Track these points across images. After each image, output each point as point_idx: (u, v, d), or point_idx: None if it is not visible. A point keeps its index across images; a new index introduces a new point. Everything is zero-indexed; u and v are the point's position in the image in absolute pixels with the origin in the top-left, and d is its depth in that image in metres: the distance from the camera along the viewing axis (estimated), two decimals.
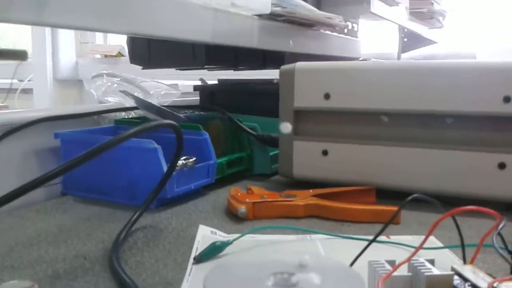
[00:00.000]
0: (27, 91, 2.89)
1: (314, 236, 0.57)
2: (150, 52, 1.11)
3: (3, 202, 0.42)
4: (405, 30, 1.77)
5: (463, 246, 0.47)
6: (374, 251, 0.46)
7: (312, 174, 0.79)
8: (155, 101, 0.97)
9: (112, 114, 0.93)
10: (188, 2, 0.75)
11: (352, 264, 0.45)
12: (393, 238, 0.56)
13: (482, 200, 0.67)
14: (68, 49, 2.93)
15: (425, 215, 0.66)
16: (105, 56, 2.93)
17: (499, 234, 0.44)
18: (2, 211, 0.60)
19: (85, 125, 0.84)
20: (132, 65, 1.15)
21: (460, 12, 2.14)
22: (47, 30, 2.73)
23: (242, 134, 0.90)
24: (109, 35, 3.09)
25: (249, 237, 0.54)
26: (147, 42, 1.10)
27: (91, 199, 0.73)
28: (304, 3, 1.03)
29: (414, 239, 0.55)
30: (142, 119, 0.89)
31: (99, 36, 3.11)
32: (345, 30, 1.39)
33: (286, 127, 0.80)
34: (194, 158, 0.72)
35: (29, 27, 2.65)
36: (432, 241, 0.55)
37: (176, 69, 1.25)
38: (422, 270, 0.36)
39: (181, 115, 0.87)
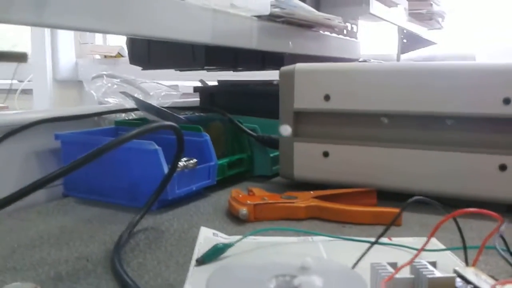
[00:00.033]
0: (27, 92, 2.89)
1: (315, 238, 0.57)
2: (149, 53, 1.11)
3: (4, 204, 0.42)
4: (405, 31, 1.77)
5: (465, 248, 0.47)
6: (376, 253, 0.47)
7: (313, 176, 0.79)
8: (155, 102, 0.97)
9: (112, 115, 0.93)
10: (187, 3, 0.75)
11: (354, 266, 0.45)
12: (395, 240, 0.56)
13: (483, 202, 0.67)
14: (67, 49, 2.93)
15: (426, 217, 0.66)
16: (105, 56, 2.93)
17: (501, 236, 0.44)
18: (3, 213, 0.60)
19: (85, 126, 0.84)
20: (132, 65, 1.15)
21: (460, 13, 2.14)
22: (47, 30, 2.73)
23: (242, 136, 0.90)
24: (109, 36, 3.09)
25: (250, 239, 0.54)
26: (146, 43, 1.10)
27: (92, 200, 0.73)
28: (303, 4, 1.03)
29: (416, 241, 0.55)
30: (142, 121, 0.89)
31: (98, 37, 3.11)
32: (345, 31, 1.39)
33: (285, 130, 0.80)
34: (195, 160, 0.72)
35: (28, 27, 2.65)
36: (434, 243, 0.55)
37: (176, 70, 1.25)
38: (424, 272, 0.36)
39: (181, 117, 0.88)
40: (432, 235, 0.40)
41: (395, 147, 0.73)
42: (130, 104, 0.95)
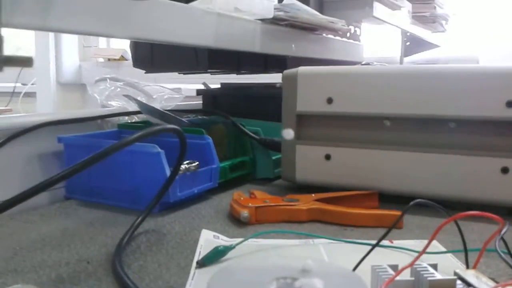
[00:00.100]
0: (30, 95, 2.90)
1: (316, 240, 0.57)
2: (153, 56, 1.12)
3: (7, 207, 0.42)
4: (408, 34, 1.77)
5: (466, 250, 0.47)
6: (377, 255, 0.47)
7: (314, 179, 0.79)
8: (158, 105, 0.97)
9: (115, 119, 0.93)
10: (191, 6, 0.76)
11: (355, 268, 0.45)
12: (396, 242, 0.56)
13: (484, 204, 0.67)
14: (71, 53, 2.94)
15: (427, 219, 0.66)
16: (108, 60, 2.94)
17: (502, 238, 0.44)
18: (6, 215, 0.60)
19: (88, 129, 0.84)
20: (135, 69, 1.15)
21: (463, 16, 2.14)
22: (51, 34, 2.74)
23: (244, 138, 0.90)
24: (112, 39, 3.10)
25: (252, 242, 0.55)
26: (150, 46, 1.11)
27: (94, 203, 0.73)
28: (306, 7, 1.04)
29: (417, 244, 0.55)
30: (145, 124, 0.90)
31: (102, 40, 3.12)
32: (348, 34, 1.39)
33: (288, 134, 0.80)
34: (197, 162, 0.72)
35: (32, 31, 2.66)
36: (435, 245, 0.55)
37: (179, 73, 1.25)
38: (425, 275, 0.36)
39: (184, 119, 0.88)
40: (433, 237, 0.40)
41: (397, 150, 0.73)
42: (133, 107, 0.95)
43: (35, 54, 2.81)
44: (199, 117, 0.99)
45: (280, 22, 0.97)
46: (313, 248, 0.55)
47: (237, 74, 1.28)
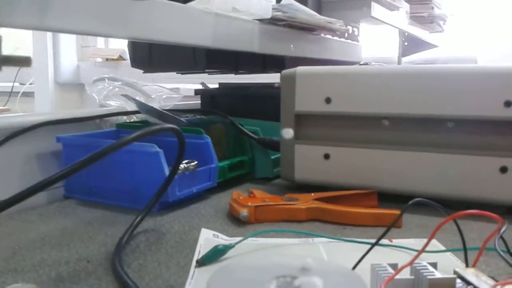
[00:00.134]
0: (28, 95, 2.90)
1: (316, 239, 0.57)
2: (151, 56, 1.12)
3: (6, 206, 0.42)
4: (406, 34, 1.77)
5: (465, 249, 0.47)
6: (376, 254, 0.47)
7: (313, 178, 0.79)
8: (156, 105, 0.97)
9: (114, 118, 0.93)
10: (189, 7, 0.75)
11: (354, 267, 0.45)
12: (395, 241, 0.56)
13: (484, 203, 0.67)
14: (69, 52, 2.94)
15: (426, 218, 0.66)
16: (106, 59, 2.94)
17: (501, 237, 0.44)
18: (5, 215, 0.60)
19: (86, 129, 0.84)
20: (133, 68, 1.15)
21: (461, 16, 2.14)
22: (49, 34, 2.74)
23: (243, 138, 0.90)
24: (110, 39, 3.09)
25: (251, 241, 0.55)
26: (148, 46, 1.11)
27: (93, 202, 0.73)
28: (304, 7, 1.04)
29: (416, 243, 0.55)
30: (144, 123, 0.90)
31: (100, 40, 3.12)
32: (346, 34, 1.39)
33: (287, 133, 0.80)
34: (196, 162, 0.72)
35: (30, 31, 2.66)
36: (435, 244, 0.55)
37: (177, 73, 1.25)
38: (425, 274, 0.36)
39: (182, 119, 0.88)
40: (432, 236, 0.40)
41: (395, 149, 0.74)
42: (132, 106, 0.95)
43: (33, 54, 2.81)
44: (198, 116, 0.99)
45: (278, 22, 0.97)
46: (312, 247, 0.55)
47: (235, 74, 1.28)
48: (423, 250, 0.40)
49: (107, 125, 0.92)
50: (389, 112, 0.74)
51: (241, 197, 0.68)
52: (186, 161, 0.70)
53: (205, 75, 1.29)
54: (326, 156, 0.78)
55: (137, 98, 0.97)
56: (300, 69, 0.80)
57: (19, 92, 2.94)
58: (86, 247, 0.55)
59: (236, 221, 0.65)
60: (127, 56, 2.18)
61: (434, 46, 1.98)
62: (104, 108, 1.00)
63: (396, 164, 0.73)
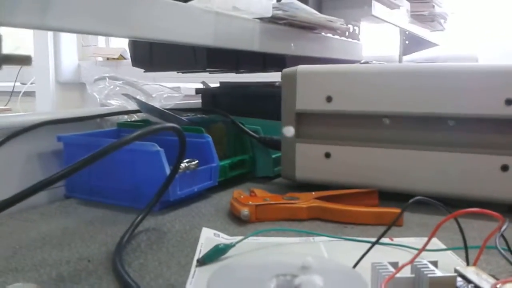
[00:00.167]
0: (29, 94, 2.90)
1: (317, 238, 0.57)
2: (152, 55, 1.12)
3: (7, 206, 0.42)
4: (407, 32, 1.77)
5: (466, 248, 0.47)
6: (377, 253, 0.47)
7: (314, 177, 0.79)
8: (157, 104, 0.97)
9: (115, 117, 0.93)
10: (190, 5, 0.75)
11: (355, 266, 0.45)
12: (396, 240, 0.56)
13: (485, 202, 0.67)
14: (70, 52, 2.94)
15: (427, 217, 0.66)
16: (107, 59, 2.94)
17: (502, 235, 0.44)
18: (5, 214, 0.60)
19: (87, 128, 0.84)
20: (134, 68, 1.15)
21: (462, 14, 2.14)
22: (49, 33, 2.74)
23: (244, 137, 0.90)
24: (111, 38, 3.09)
25: (252, 240, 0.55)
26: (149, 45, 1.11)
27: (94, 202, 0.73)
28: (305, 6, 1.03)
29: (417, 241, 0.55)
30: (145, 122, 0.90)
31: (101, 39, 3.12)
32: (347, 33, 1.39)
33: (289, 131, 0.80)
34: (196, 161, 0.72)
35: (30, 30, 2.66)
36: (435, 243, 0.55)
37: (178, 72, 1.25)
38: (425, 272, 0.36)
39: (183, 118, 0.88)
40: (433, 235, 0.40)
41: (396, 148, 0.74)
42: (133, 106, 0.95)
43: (34, 54, 2.81)
44: (199, 116, 0.99)
45: (279, 21, 0.97)
46: (313, 245, 0.55)
47: (236, 73, 1.28)
48: (423, 249, 0.40)
49: (108, 124, 0.92)
50: (390, 111, 0.74)
51: (242, 196, 0.68)
52: (187, 160, 0.70)
53: (206, 74, 1.29)
54: (327, 155, 0.78)
55: (138, 97, 0.97)
56: (301, 67, 0.80)
57: (20, 92, 2.94)
58: (87, 247, 0.55)
59: (237, 220, 0.65)
60: (128, 55, 2.18)
61: (435, 44, 1.97)
62: (105, 107, 1.00)
63: (397, 163, 0.73)
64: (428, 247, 0.41)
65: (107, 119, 0.92)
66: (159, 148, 0.68)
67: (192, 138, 0.75)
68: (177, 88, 1.12)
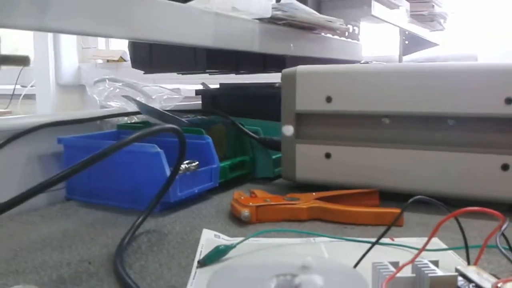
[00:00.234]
0: (30, 97, 2.90)
1: (317, 239, 0.57)
2: (151, 56, 1.12)
3: (7, 208, 0.42)
4: (406, 32, 1.77)
5: (466, 247, 0.47)
6: (378, 253, 0.47)
7: (315, 177, 0.79)
8: (157, 106, 0.97)
9: (115, 119, 0.93)
10: (189, 6, 0.75)
11: (355, 266, 0.45)
12: (397, 240, 0.56)
13: (485, 201, 0.67)
14: (70, 54, 2.94)
15: (428, 217, 0.66)
16: (107, 61, 2.94)
17: (503, 234, 0.44)
18: (5, 217, 0.60)
19: (87, 130, 0.84)
20: (134, 69, 1.15)
21: (461, 14, 2.14)
22: (49, 35, 2.74)
23: (244, 138, 0.90)
24: (111, 40, 3.10)
25: (252, 241, 0.55)
26: (148, 46, 1.11)
27: (95, 204, 0.73)
28: (304, 6, 1.03)
29: (418, 241, 0.55)
30: (145, 124, 0.90)
31: (101, 41, 3.12)
32: (346, 33, 1.39)
33: (288, 130, 0.80)
34: (197, 162, 0.72)
35: (30, 32, 2.66)
36: (436, 242, 0.55)
37: (178, 74, 1.25)
38: (426, 271, 0.36)
39: (183, 119, 0.88)
40: (433, 234, 0.40)
41: (397, 147, 0.73)
42: (133, 107, 0.95)
43: (34, 56, 2.82)
44: (199, 117, 0.99)
45: (278, 22, 0.97)
46: (314, 246, 0.55)
47: (236, 74, 1.28)
48: (424, 248, 0.40)
49: (108, 126, 0.92)
50: (390, 110, 0.74)
51: (242, 197, 0.68)
52: (187, 161, 0.70)
53: (206, 75, 1.29)
54: (327, 155, 0.78)
55: (138, 99, 0.97)
56: (301, 68, 0.80)
57: (20, 95, 2.94)
58: (88, 249, 0.55)
59: (237, 221, 0.65)
60: (128, 57, 2.18)
61: (435, 44, 1.97)
62: (105, 109, 1.00)
63: (397, 163, 0.73)
64: (428, 247, 0.41)
65: (107, 121, 0.92)
66: (159, 150, 0.68)
67: (192, 140, 0.75)
68: (177, 90, 1.12)
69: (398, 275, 0.36)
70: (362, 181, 0.75)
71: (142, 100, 1.00)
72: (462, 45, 2.22)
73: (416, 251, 0.40)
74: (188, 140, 0.58)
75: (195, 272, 0.48)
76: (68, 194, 0.76)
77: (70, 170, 0.44)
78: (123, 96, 0.98)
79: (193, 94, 1.23)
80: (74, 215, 0.69)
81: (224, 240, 0.57)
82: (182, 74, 1.26)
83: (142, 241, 0.57)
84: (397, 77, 0.73)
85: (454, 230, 0.49)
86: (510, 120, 0.67)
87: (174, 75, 1.24)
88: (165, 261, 0.51)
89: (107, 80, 1.05)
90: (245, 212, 0.63)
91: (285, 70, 0.82)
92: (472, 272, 0.37)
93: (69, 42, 2.91)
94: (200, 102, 1.21)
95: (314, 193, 0.70)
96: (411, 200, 0.47)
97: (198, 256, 0.51)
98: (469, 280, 0.36)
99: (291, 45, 1.04)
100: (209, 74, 1.29)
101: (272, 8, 0.92)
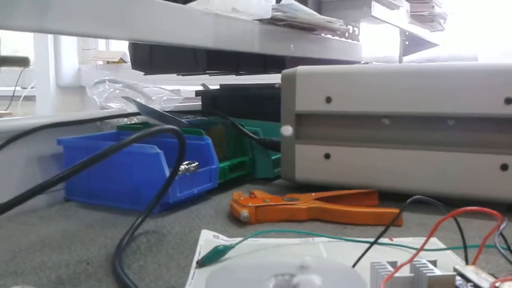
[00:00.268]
0: (30, 98, 2.91)
1: (317, 239, 0.57)
2: (151, 58, 1.12)
3: (6, 209, 0.42)
4: (407, 33, 1.77)
5: (465, 247, 0.47)
6: (377, 253, 0.47)
7: (314, 178, 0.79)
8: (157, 107, 0.97)
9: (115, 120, 0.93)
10: (189, 7, 0.76)
11: (354, 265, 0.45)
12: (396, 240, 0.56)
13: (484, 201, 0.67)
14: (70, 56, 2.94)
15: (426, 217, 0.66)
16: (107, 62, 2.95)
17: (501, 234, 0.44)
18: (4, 218, 0.60)
19: (87, 131, 0.84)
20: (134, 71, 1.15)
21: (461, 14, 2.14)
22: (49, 37, 2.75)
23: (244, 139, 0.90)
24: (111, 42, 3.10)
25: (251, 241, 0.54)
26: (149, 48, 1.11)
27: (94, 204, 0.73)
28: (304, 7, 1.03)
29: (417, 241, 0.55)
30: (145, 125, 0.90)
31: (101, 43, 3.13)
32: (346, 34, 1.39)
33: (287, 130, 0.80)
34: (196, 163, 0.72)
35: (30, 34, 2.67)
36: (435, 242, 0.55)
37: (178, 75, 1.25)
38: (424, 271, 0.36)
39: (183, 120, 0.88)
40: (431, 234, 0.40)
41: (396, 148, 0.73)
42: (132, 108, 0.95)
43: (34, 58, 2.82)
44: (198, 118, 0.99)
45: (278, 23, 0.97)
46: (313, 246, 0.55)
47: (236, 75, 1.28)
48: (422, 248, 0.40)
49: (108, 127, 0.92)
50: (390, 111, 0.74)
51: (241, 198, 0.68)
52: (186, 162, 0.70)
53: (206, 76, 1.29)
54: (327, 156, 0.78)
55: (138, 100, 0.97)
56: (301, 68, 0.80)
57: (20, 96, 2.94)
58: (87, 250, 0.55)
59: (236, 221, 0.65)
60: (128, 59, 2.18)
61: (435, 44, 1.98)
62: (105, 110, 1.00)
63: (396, 163, 0.73)
64: (427, 247, 0.41)
65: (107, 122, 0.92)
66: (158, 150, 0.68)
67: (192, 140, 0.75)
68: (177, 91, 1.12)
69: (396, 274, 0.36)
70: (362, 182, 0.75)
71: (142, 101, 1.00)
72: (462, 46, 2.22)
73: (414, 251, 0.40)
74: (187, 141, 0.58)
75: (194, 273, 0.48)
76: (67, 195, 0.76)
77: (70, 171, 0.44)
78: (123, 97, 0.98)
79: (193, 95, 1.23)
80: (73, 216, 0.69)
81: (223, 240, 0.57)
82: (182, 75, 1.26)
83: (141, 241, 0.57)
84: (396, 77, 0.73)
85: (453, 230, 0.49)
86: (509, 120, 0.67)
87: (174, 76, 1.24)
88: (164, 261, 0.51)
89: (107, 81, 1.05)
90: (244, 212, 0.63)
91: (285, 71, 0.82)
92: (470, 271, 0.37)
93: (69, 44, 2.91)
94: (200, 103, 1.21)
95: (313, 194, 0.70)
96: (409, 200, 0.47)
97: (197, 257, 0.51)
98: (467, 279, 0.37)
99: (291, 46, 1.04)
100: (209, 75, 1.29)
101: (272, 9, 0.92)
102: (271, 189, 0.83)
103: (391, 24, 1.43)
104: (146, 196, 0.64)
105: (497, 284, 0.34)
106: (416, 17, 1.66)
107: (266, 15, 0.90)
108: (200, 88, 1.31)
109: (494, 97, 0.67)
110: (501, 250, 0.42)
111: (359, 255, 0.46)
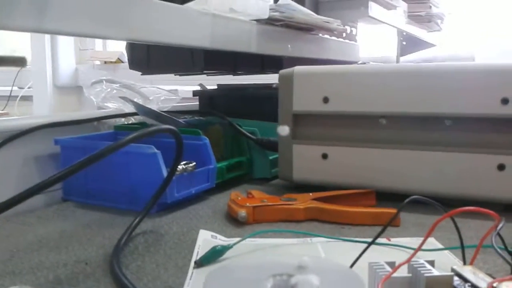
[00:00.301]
0: (27, 98, 2.90)
1: (314, 239, 0.57)
2: (149, 58, 1.12)
3: (3, 209, 0.42)
4: (404, 33, 1.77)
5: (462, 247, 0.47)
6: (374, 253, 0.47)
7: (312, 178, 0.79)
8: (154, 107, 0.97)
9: (112, 120, 0.93)
10: (187, 8, 0.75)
11: (352, 266, 0.45)
12: (393, 240, 0.56)
13: (481, 201, 0.67)
14: (67, 56, 2.94)
15: (424, 217, 0.66)
16: (105, 62, 2.95)
17: (499, 234, 0.44)
18: (2, 218, 0.60)
19: (84, 131, 0.84)
20: (131, 71, 1.15)
21: (458, 15, 2.15)
22: (47, 37, 2.74)
23: (241, 139, 0.90)
24: (109, 42, 3.10)
25: (249, 241, 0.55)
26: (146, 48, 1.11)
27: (91, 205, 0.73)
28: (302, 7, 1.04)
29: (414, 241, 0.55)
30: (142, 125, 0.90)
31: (98, 43, 3.12)
32: (344, 34, 1.39)
33: (283, 130, 0.80)
34: (194, 163, 0.72)
35: (27, 34, 2.66)
36: (432, 242, 0.55)
37: (175, 75, 1.25)
38: (422, 271, 0.36)
39: (180, 120, 0.88)
40: (429, 234, 0.40)
41: (393, 148, 0.74)
42: (130, 108, 0.95)
43: (32, 58, 2.81)
44: (196, 118, 0.99)
45: (276, 23, 0.97)
46: (311, 246, 0.55)
47: (234, 75, 1.28)
48: (420, 248, 0.40)
49: (105, 127, 0.92)
50: (387, 111, 0.74)
51: (239, 198, 0.68)
52: (184, 162, 0.70)
53: (203, 76, 1.29)
54: (324, 156, 0.78)
55: (135, 100, 0.97)
56: (298, 69, 0.80)
57: (17, 96, 2.94)
58: (84, 250, 0.55)
59: (234, 221, 0.65)
60: (125, 59, 2.18)
61: (432, 45, 1.98)
62: (102, 110, 1.00)
63: (394, 163, 0.73)
64: (425, 247, 0.41)
65: (104, 122, 0.92)
66: (156, 151, 0.68)
67: (189, 140, 0.75)
68: (175, 91, 1.12)
69: (394, 275, 0.36)
70: (359, 182, 0.75)
71: (139, 101, 1.00)
72: (459, 46, 2.22)
73: (412, 251, 0.40)
74: (185, 141, 0.58)
75: (192, 273, 0.48)
76: (64, 195, 0.76)
77: (67, 171, 0.44)
78: (120, 97, 0.97)
79: (191, 95, 1.23)
80: (71, 216, 0.69)
81: (221, 240, 0.57)
82: (180, 75, 1.26)
83: (139, 241, 0.57)
84: (393, 77, 0.73)
85: (450, 230, 0.49)
86: (506, 120, 0.67)
87: (171, 76, 1.24)
88: (162, 261, 0.51)
89: (104, 81, 1.05)
90: (242, 212, 0.63)
91: (282, 71, 0.82)
92: (468, 271, 0.37)
93: (66, 44, 2.91)
94: (198, 103, 1.21)
95: (311, 194, 0.70)
96: (407, 200, 0.47)
97: (195, 257, 0.51)
98: (465, 279, 0.37)
99: (289, 46, 1.04)
100: (207, 75, 1.29)
101: (270, 9, 0.92)
102: (269, 189, 0.83)
103: (388, 24, 1.43)
104: (144, 196, 0.64)
105: (494, 284, 0.34)
106: (413, 17, 1.66)
107: (264, 15, 0.90)
108: (198, 88, 1.31)
109: (491, 97, 0.67)
110: (499, 250, 0.42)
111: (357, 255, 0.46)
